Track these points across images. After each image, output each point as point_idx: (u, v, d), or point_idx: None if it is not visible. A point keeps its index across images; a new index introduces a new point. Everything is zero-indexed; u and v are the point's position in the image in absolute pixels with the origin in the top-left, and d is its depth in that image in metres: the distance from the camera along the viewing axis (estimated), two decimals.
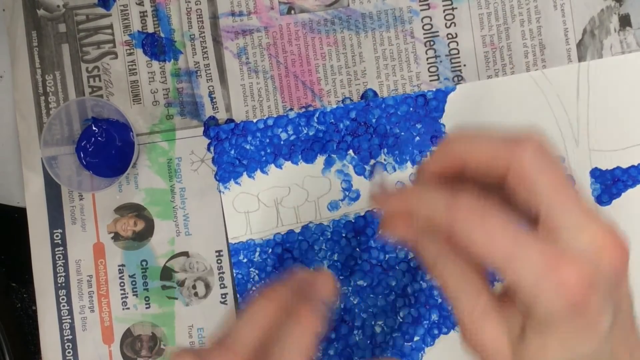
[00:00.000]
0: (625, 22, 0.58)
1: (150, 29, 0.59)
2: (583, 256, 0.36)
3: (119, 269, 0.59)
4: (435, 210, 0.39)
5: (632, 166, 0.57)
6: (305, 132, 0.58)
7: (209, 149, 0.58)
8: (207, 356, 0.41)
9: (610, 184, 0.57)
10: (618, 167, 0.57)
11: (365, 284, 0.57)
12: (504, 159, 0.38)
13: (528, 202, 0.38)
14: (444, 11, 0.59)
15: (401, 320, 0.57)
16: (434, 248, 0.41)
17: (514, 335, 0.39)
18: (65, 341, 0.58)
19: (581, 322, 0.37)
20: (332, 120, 0.58)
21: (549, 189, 0.37)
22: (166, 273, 0.59)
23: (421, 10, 0.59)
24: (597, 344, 0.37)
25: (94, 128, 0.58)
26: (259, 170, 0.58)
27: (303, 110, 0.58)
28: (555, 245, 0.37)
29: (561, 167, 0.38)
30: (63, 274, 0.59)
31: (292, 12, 0.59)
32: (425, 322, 0.56)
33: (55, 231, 0.59)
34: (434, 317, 0.57)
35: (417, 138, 0.58)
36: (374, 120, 0.58)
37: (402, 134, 0.57)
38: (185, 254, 0.59)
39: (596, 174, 0.57)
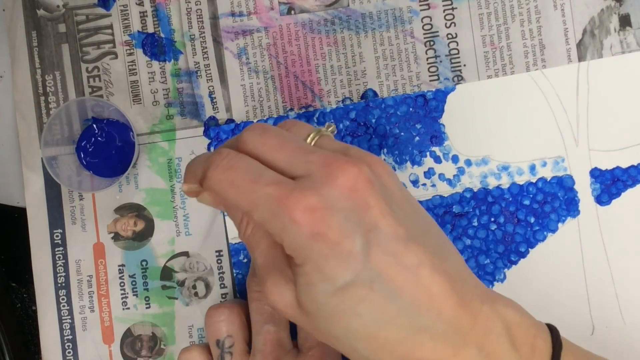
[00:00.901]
0: (625, 22, 0.58)
1: (150, 29, 0.59)
2: (311, 186, 0.38)
3: (119, 269, 0.59)
4: (198, 171, 0.42)
5: (632, 166, 0.57)
6: None
7: (209, 149, 0.58)
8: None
9: (609, 183, 0.57)
10: (618, 167, 0.57)
11: None
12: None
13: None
14: (444, 11, 0.59)
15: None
16: (235, 213, 0.44)
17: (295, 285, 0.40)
18: (66, 341, 0.58)
19: (326, 249, 0.37)
20: (332, 121, 0.58)
21: (270, 151, 0.40)
22: (166, 273, 0.59)
23: (421, 10, 0.59)
24: (356, 267, 0.37)
25: (94, 128, 0.58)
26: None
27: (303, 110, 0.58)
28: (287, 182, 0.38)
29: (275, 130, 0.41)
30: (63, 274, 0.59)
31: (292, 12, 0.59)
32: None
33: (55, 231, 0.59)
34: None
35: (417, 138, 0.58)
36: (373, 121, 0.58)
37: (402, 134, 0.57)
38: (186, 254, 0.59)
39: (596, 173, 0.57)
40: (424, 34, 0.59)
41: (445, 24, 0.59)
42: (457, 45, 0.59)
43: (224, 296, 0.58)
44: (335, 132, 0.44)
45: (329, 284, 0.38)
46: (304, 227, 0.37)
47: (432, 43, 0.59)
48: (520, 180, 0.57)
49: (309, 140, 0.42)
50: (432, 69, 0.59)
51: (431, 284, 0.38)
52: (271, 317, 0.50)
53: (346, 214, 0.38)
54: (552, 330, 0.42)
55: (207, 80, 0.59)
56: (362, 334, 0.39)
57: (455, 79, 0.58)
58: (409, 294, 0.38)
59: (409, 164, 0.58)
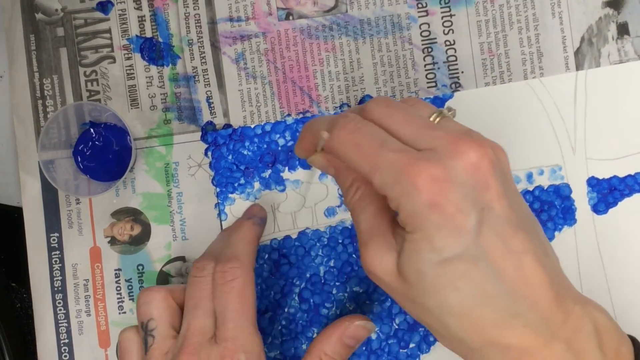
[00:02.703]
0: (623, 30, 0.58)
1: (149, 34, 0.59)
2: (436, 157, 0.39)
3: (116, 273, 0.59)
4: (320, 130, 0.45)
5: (629, 175, 0.57)
6: None
7: (206, 154, 0.58)
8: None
9: (606, 192, 0.57)
10: (615, 176, 0.57)
11: (361, 290, 0.57)
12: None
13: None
14: (442, 18, 0.59)
15: (397, 326, 0.57)
16: (346, 177, 0.46)
17: (399, 251, 0.41)
18: (62, 345, 0.58)
19: (441, 220, 0.39)
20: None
21: (397, 121, 0.42)
22: (162, 278, 0.59)
23: (419, 16, 0.59)
24: (465, 242, 0.39)
25: (91, 132, 0.58)
26: (256, 176, 0.58)
27: (300, 116, 0.58)
28: (412, 151, 0.40)
29: (401, 104, 0.43)
30: (59, 277, 0.59)
31: (291, 17, 0.59)
32: (421, 329, 0.56)
33: (51, 235, 0.59)
34: None
35: None
36: None
37: None
38: (182, 258, 0.59)
39: (593, 182, 0.57)
40: (422, 40, 0.59)
41: (443, 30, 0.59)
42: (455, 52, 0.59)
43: None
44: (455, 115, 0.45)
45: (436, 254, 0.39)
46: (424, 195, 0.38)
47: (430, 50, 0.59)
48: (518, 188, 0.57)
49: (431, 119, 0.43)
50: (430, 76, 0.59)
51: (532, 274, 0.39)
52: (199, 302, 0.49)
53: (466, 190, 0.39)
54: (634, 342, 0.43)
55: (204, 85, 0.59)
56: (457, 310, 0.40)
57: (453, 85, 0.58)
58: (510, 278, 0.39)
59: None
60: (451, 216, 0.38)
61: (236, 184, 0.58)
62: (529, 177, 0.57)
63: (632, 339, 0.43)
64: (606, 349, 0.41)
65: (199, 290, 0.50)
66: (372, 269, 0.43)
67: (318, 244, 0.58)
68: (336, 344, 0.51)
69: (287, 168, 0.58)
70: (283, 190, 0.58)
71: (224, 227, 0.58)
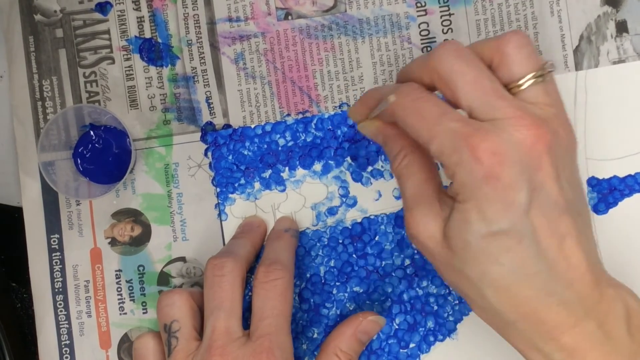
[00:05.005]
0: (622, 28, 0.58)
1: (148, 34, 0.59)
2: (496, 131, 0.40)
3: (116, 274, 0.59)
4: (382, 96, 0.45)
5: (629, 175, 0.57)
6: (303, 138, 0.58)
7: (206, 155, 0.58)
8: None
9: (607, 193, 0.57)
10: (615, 176, 0.57)
11: (361, 291, 0.57)
12: (427, 70, 0.44)
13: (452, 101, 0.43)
14: (441, 17, 0.59)
15: (397, 327, 0.57)
16: (395, 144, 0.47)
17: (445, 219, 0.43)
18: (63, 346, 0.58)
19: (494, 193, 0.40)
20: (330, 127, 0.58)
21: (462, 83, 0.42)
22: (163, 278, 0.59)
23: (418, 15, 0.59)
24: (514, 218, 0.40)
25: (91, 134, 0.58)
26: (256, 176, 0.58)
27: (300, 116, 0.58)
28: (473, 122, 0.41)
29: (473, 60, 0.42)
30: (60, 279, 0.59)
31: (290, 17, 0.59)
32: (421, 329, 0.57)
33: (52, 236, 0.59)
34: (430, 324, 0.57)
35: None
36: None
37: None
38: (182, 259, 0.59)
39: (593, 182, 0.57)
40: (421, 39, 0.59)
41: (442, 29, 0.59)
42: None
43: None
44: (555, 68, 0.45)
45: (485, 225, 0.40)
46: (481, 166, 0.39)
47: (429, 49, 0.59)
48: None
49: (522, 81, 0.42)
50: None
51: (572, 255, 0.41)
52: (221, 303, 0.50)
53: (520, 168, 0.40)
54: None
55: (204, 85, 0.59)
56: (497, 283, 0.41)
57: None
58: (551, 257, 0.40)
59: None
60: (504, 191, 0.39)
61: (236, 184, 0.58)
62: None
63: None
64: (635, 332, 0.42)
65: (221, 291, 0.51)
66: (416, 234, 0.44)
67: (318, 244, 0.58)
68: (351, 340, 0.52)
69: (287, 168, 0.58)
70: (283, 190, 0.58)
71: (224, 228, 0.58)
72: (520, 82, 0.42)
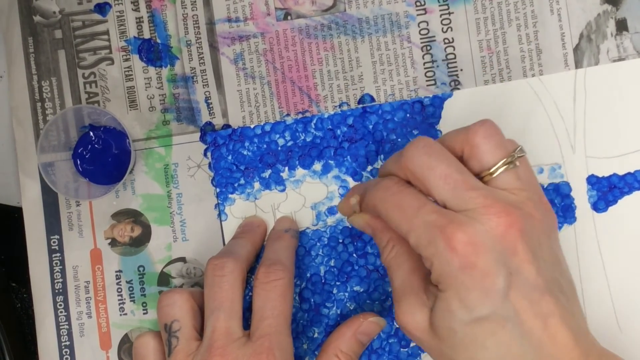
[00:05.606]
0: (622, 26, 0.58)
1: (147, 35, 0.59)
2: (469, 222, 0.41)
3: (116, 275, 0.59)
4: (365, 191, 0.49)
5: (629, 173, 0.57)
6: (302, 138, 0.58)
7: (205, 155, 0.58)
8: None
9: (606, 190, 0.57)
10: (614, 174, 0.57)
11: (361, 290, 0.57)
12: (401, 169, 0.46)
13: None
14: (440, 16, 0.59)
15: (397, 326, 0.57)
16: (383, 236, 0.49)
17: (431, 308, 0.44)
18: (63, 347, 0.58)
19: (471, 281, 0.41)
20: (330, 127, 0.58)
21: (433, 178, 0.43)
22: (163, 279, 0.59)
23: (418, 15, 0.59)
24: (495, 303, 0.41)
25: (90, 135, 0.58)
26: (256, 176, 0.58)
27: (300, 115, 0.58)
28: (448, 213, 0.42)
29: (443, 155, 0.44)
30: (60, 280, 0.59)
31: (289, 17, 0.59)
32: None
33: (52, 237, 0.59)
34: None
35: None
36: (370, 127, 0.57)
37: (399, 140, 0.57)
38: (182, 259, 0.59)
39: (592, 180, 0.57)
40: (421, 38, 0.59)
41: (442, 28, 0.59)
42: (454, 50, 0.58)
43: None
44: (525, 153, 0.46)
45: (467, 313, 0.41)
46: (456, 257, 0.41)
47: (428, 48, 0.59)
48: None
49: (492, 169, 0.44)
50: (429, 74, 0.58)
51: (557, 333, 0.41)
52: (221, 304, 0.50)
53: (495, 255, 0.41)
54: None
55: (203, 85, 0.59)
56: None
57: (452, 83, 0.58)
58: (536, 338, 0.41)
59: None
60: (481, 278, 0.41)
61: (236, 184, 0.58)
62: None
63: None
64: None
65: (221, 291, 0.51)
66: (405, 325, 0.45)
67: (318, 244, 0.58)
68: (351, 341, 0.53)
69: (287, 168, 0.58)
70: (283, 190, 0.58)
71: (224, 228, 0.58)
72: (492, 170, 0.44)
